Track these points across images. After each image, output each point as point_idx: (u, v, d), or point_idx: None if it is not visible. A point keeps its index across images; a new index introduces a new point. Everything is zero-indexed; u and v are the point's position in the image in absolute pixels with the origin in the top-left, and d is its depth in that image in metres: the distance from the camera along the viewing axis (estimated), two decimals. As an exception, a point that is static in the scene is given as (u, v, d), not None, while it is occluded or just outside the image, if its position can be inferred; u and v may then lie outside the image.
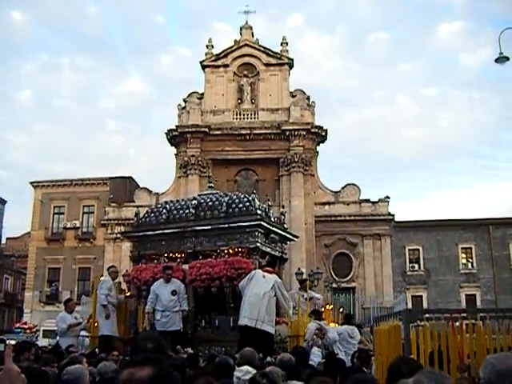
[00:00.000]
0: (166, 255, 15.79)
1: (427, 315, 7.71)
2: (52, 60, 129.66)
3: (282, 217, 16.94)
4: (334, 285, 43.36)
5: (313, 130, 48.82)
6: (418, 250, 48.10)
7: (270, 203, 17.09)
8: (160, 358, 2.68)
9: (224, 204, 15.04)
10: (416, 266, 47.99)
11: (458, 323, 7.30)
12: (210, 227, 14.85)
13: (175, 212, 15.71)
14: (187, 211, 15.34)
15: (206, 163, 48.46)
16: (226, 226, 14.69)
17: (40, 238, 50.74)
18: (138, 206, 48.91)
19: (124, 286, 16.82)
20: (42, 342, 34.35)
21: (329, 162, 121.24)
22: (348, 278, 46.67)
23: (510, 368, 3.00)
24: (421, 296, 47.07)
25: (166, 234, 15.52)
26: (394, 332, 7.59)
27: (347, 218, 47.62)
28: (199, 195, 16.91)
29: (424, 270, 47.69)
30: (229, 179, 48.98)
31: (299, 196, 45.98)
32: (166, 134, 50.37)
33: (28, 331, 41.30)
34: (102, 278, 15.75)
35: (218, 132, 48.71)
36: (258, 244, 14.40)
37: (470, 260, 48.06)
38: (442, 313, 7.89)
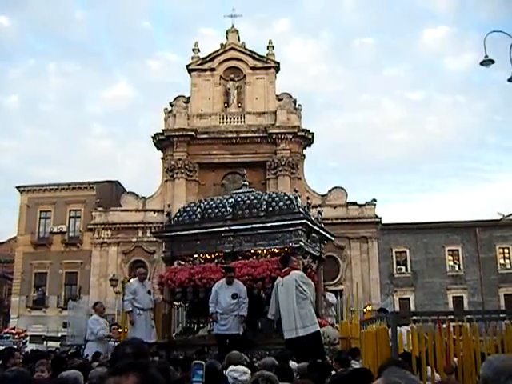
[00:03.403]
0: (201, 256, 15.32)
1: (414, 318, 7.72)
2: (39, 65, 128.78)
3: (319, 216, 16.34)
4: (322, 288, 43.35)
5: (299, 134, 48.91)
6: (405, 252, 48.22)
7: (309, 202, 16.52)
8: (145, 363, 2.64)
9: (264, 202, 14.56)
10: (403, 268, 48.10)
11: (445, 325, 7.33)
12: (250, 226, 14.30)
13: (210, 211, 15.12)
14: (223, 210, 14.79)
15: (192, 167, 48.51)
16: (269, 224, 14.13)
17: (26, 242, 50.46)
18: (124, 211, 49.27)
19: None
20: (29, 347, 34.08)
21: (315, 166, 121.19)
22: (335, 281, 46.66)
23: (508, 366, 3.05)
24: (408, 298, 47.18)
25: (201, 234, 14.89)
26: (382, 335, 7.60)
27: (334, 221, 47.49)
28: (235, 193, 16.17)
29: (411, 272, 47.81)
30: (216, 183, 49.03)
31: (286, 199, 45.83)
32: (153, 137, 50.29)
33: (16, 336, 41.00)
34: (130, 281, 14.89)
35: (205, 136, 48.67)
36: (302, 243, 13.90)
37: (457, 262, 48.23)
38: (429, 315, 7.91)
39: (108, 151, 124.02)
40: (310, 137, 49.98)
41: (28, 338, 41.98)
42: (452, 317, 7.62)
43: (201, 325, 15.01)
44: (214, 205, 15.27)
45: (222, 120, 49.69)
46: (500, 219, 48.32)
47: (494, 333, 7.46)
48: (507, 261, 48.25)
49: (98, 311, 14.97)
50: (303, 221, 14.09)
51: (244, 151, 48.03)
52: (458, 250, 48.18)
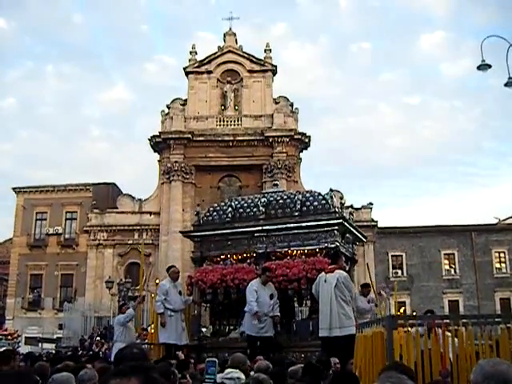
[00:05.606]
0: (232, 256, 14.91)
1: (410, 321, 7.73)
2: (37, 67, 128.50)
3: (351, 217, 15.92)
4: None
5: (296, 137, 48.84)
6: (401, 256, 48.24)
7: (342, 202, 16.08)
8: (147, 366, 2.61)
9: (298, 202, 14.19)
10: (399, 272, 48.10)
11: (440, 329, 7.34)
12: (284, 226, 14.00)
13: (242, 210, 14.85)
14: (256, 210, 14.51)
15: (189, 169, 48.45)
16: (304, 224, 13.80)
17: (22, 244, 50.37)
18: (120, 213, 49.22)
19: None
20: (25, 349, 34.00)
21: (312, 169, 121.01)
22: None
23: (497, 371, 3.07)
24: (404, 302, 47.13)
25: (232, 234, 14.59)
26: (377, 339, 7.60)
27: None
28: (267, 193, 15.96)
29: (407, 276, 47.83)
30: (212, 185, 48.96)
31: (283, 202, 45.80)
32: (150, 140, 50.23)
33: (9, 337, 40.89)
34: (162, 282, 14.32)
35: (202, 138, 48.63)
36: (337, 244, 13.60)
37: (453, 266, 48.27)
38: (425, 319, 7.92)
39: (105, 154, 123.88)
40: (307, 140, 49.96)
41: (22, 339, 41.91)
42: (448, 321, 7.62)
43: (231, 327, 14.69)
44: (245, 204, 15.03)
45: (218, 123, 49.67)
46: (496, 223, 48.39)
47: (489, 337, 7.47)
48: (503, 265, 48.30)
49: (123, 313, 15.11)
50: (339, 221, 13.83)
51: (240, 154, 48.03)
52: (453, 254, 48.23)
